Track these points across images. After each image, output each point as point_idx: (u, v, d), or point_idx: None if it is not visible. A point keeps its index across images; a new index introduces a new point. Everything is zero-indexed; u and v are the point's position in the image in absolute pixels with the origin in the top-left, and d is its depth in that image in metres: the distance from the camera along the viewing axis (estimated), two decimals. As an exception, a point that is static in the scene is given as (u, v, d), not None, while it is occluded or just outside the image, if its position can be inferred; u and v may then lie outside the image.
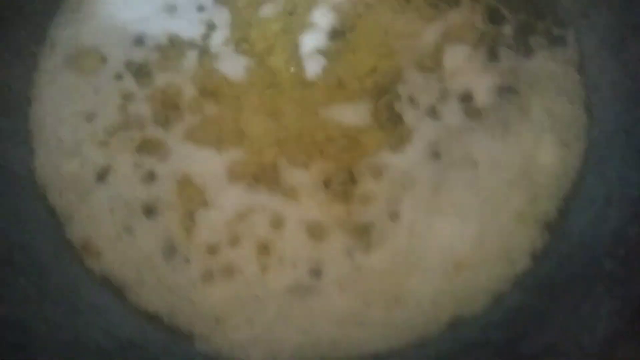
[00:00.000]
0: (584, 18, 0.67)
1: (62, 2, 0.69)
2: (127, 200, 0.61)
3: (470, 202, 0.61)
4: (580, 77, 0.66)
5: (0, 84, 0.64)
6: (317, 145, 0.63)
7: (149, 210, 0.61)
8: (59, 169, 0.63)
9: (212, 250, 0.59)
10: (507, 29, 0.67)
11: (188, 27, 0.67)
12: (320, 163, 0.62)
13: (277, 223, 0.60)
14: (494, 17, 0.68)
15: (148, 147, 0.63)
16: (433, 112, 0.64)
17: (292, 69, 0.66)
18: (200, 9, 0.68)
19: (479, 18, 0.68)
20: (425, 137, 0.63)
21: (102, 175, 0.62)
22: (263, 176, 0.62)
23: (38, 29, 0.67)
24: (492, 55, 0.66)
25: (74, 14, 0.68)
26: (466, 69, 0.65)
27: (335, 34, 0.68)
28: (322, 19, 0.68)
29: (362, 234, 0.60)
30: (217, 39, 0.67)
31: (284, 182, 0.61)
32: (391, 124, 0.63)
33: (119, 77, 0.66)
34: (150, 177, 0.62)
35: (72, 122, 0.64)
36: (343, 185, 0.61)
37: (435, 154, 0.62)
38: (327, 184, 0.61)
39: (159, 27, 0.67)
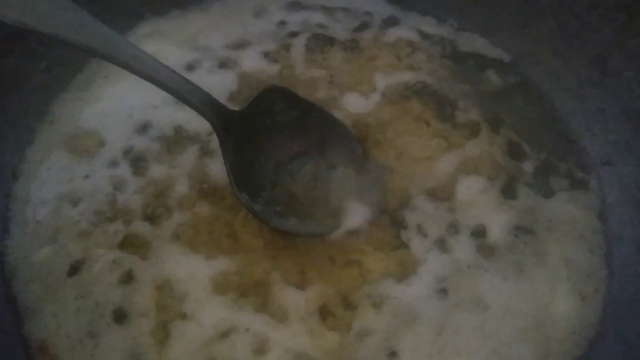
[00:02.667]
0: (608, 165, 0.64)
1: (69, 81, 0.66)
2: (97, 300, 0.55)
3: (476, 350, 0.55)
4: (602, 225, 0.62)
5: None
6: (315, 264, 0.57)
7: (120, 316, 0.54)
8: (30, 255, 0.57)
9: (183, 371, 0.53)
10: (528, 166, 0.64)
11: (195, 121, 0.64)
12: (317, 285, 0.56)
13: (261, 349, 0.53)
14: (515, 153, 0.65)
15: (131, 243, 0.58)
16: (442, 245, 0.59)
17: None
18: (211, 104, 0.65)
19: (498, 151, 0.65)
20: (432, 271, 0.58)
21: (75, 269, 0.56)
22: (252, 291, 0.56)
23: (40, 104, 0.65)
24: (510, 191, 0.63)
25: (80, 93, 0.66)
26: (481, 203, 0.62)
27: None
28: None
29: (354, 372, 0.53)
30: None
31: (274, 301, 0.56)
32: (397, 252, 0.58)
33: (114, 163, 0.62)
34: (128, 277, 0.56)
35: (55, 204, 0.60)
36: (340, 312, 0.55)
37: (442, 291, 0.57)
38: (322, 309, 0.55)
39: (166, 117, 0.64)
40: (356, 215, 0.59)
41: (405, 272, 0.57)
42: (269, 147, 0.60)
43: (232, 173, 0.56)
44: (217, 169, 0.61)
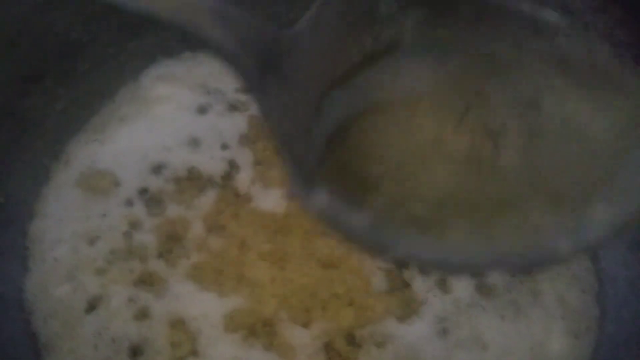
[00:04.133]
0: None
1: (85, 122, 0.69)
2: (114, 337, 0.57)
3: (475, 389, 0.57)
4: (594, 267, 0.65)
5: (4, 194, 0.62)
6: (321, 303, 0.60)
7: (135, 352, 0.57)
8: (49, 292, 0.59)
9: (194, 409, 0.55)
10: (524, 208, 0.67)
11: (209, 163, 0.67)
12: (322, 323, 0.59)
13: (270, 386, 0.56)
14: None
15: (147, 281, 0.60)
16: (443, 284, 0.62)
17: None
18: (225, 147, 0.68)
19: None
20: (433, 311, 0.60)
21: (93, 306, 0.59)
22: (261, 330, 0.58)
23: (55, 144, 0.67)
24: (507, 232, 0.65)
25: (96, 134, 0.68)
26: (480, 243, 0.64)
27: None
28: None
29: (359, 410, 0.56)
30: (238, 179, 0.66)
31: (281, 340, 0.58)
32: (400, 292, 0.61)
33: (129, 203, 0.64)
34: (143, 314, 0.58)
35: (72, 243, 0.62)
36: (345, 351, 0.58)
37: (444, 331, 0.59)
38: (327, 347, 0.58)
39: (179, 159, 0.67)
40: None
41: (408, 312, 0.60)
42: (368, 87, 0.30)
43: (286, 154, 0.29)
44: (234, 210, 0.64)
